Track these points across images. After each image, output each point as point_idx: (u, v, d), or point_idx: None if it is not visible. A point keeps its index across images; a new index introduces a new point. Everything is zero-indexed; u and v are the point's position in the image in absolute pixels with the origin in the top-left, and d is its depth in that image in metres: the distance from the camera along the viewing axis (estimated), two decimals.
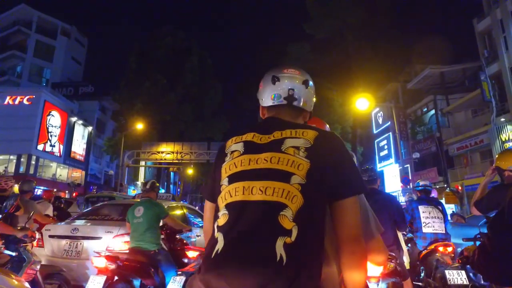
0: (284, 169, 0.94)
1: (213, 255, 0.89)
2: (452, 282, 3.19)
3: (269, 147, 0.99)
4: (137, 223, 3.38)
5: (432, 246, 3.64)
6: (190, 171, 38.69)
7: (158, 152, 24.43)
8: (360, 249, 0.95)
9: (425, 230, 3.81)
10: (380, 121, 27.47)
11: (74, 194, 20.36)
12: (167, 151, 24.30)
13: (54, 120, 25.54)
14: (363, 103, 14.86)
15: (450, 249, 3.58)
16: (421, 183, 4.17)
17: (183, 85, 27.36)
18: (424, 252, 3.77)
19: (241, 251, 0.87)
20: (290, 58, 26.91)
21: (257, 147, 1.01)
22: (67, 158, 27.55)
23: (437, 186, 21.18)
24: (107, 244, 3.94)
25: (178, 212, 5.93)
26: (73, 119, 28.26)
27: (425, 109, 24.00)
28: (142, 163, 27.82)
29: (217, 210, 0.99)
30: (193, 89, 27.74)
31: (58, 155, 26.44)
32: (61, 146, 26.45)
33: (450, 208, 20.81)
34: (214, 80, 30.61)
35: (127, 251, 3.37)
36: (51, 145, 25.04)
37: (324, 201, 0.95)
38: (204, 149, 24.93)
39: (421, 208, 3.90)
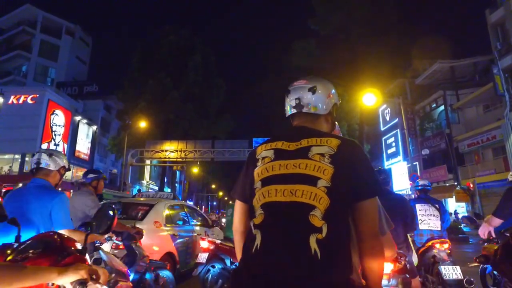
0: (311, 174, 1.05)
1: (253, 250, 1.03)
2: (447, 277, 3.35)
3: (297, 154, 1.11)
4: (228, 219, 4.46)
5: (430, 243, 3.79)
6: (195, 170, 38.52)
7: (162, 151, 24.27)
8: (378, 244, 1.06)
9: (421, 227, 3.99)
10: (388, 117, 26.91)
11: None
12: (171, 150, 24.13)
13: (58, 119, 25.51)
14: (370, 98, 14.44)
15: (446, 245, 3.70)
16: (421, 182, 4.33)
17: (187, 84, 27.15)
18: (422, 249, 3.89)
19: (279, 247, 0.99)
20: (295, 55, 26.50)
21: (286, 154, 1.13)
22: (72, 157, 27.49)
23: (447, 184, 20.61)
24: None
25: (178, 210, 5.93)
26: (77, 118, 28.23)
27: (434, 105, 23.38)
28: (148, 161, 27.70)
29: (252, 210, 1.11)
30: (196, 88, 27.48)
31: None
32: (65, 145, 26.40)
33: (461, 207, 20.25)
34: (218, 78, 30.33)
35: (223, 239, 4.74)
36: (55, 144, 25.00)
37: (347, 201, 1.05)
38: (209, 147, 24.66)
39: (418, 206, 4.05)
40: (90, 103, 30.95)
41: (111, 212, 1.67)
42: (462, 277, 3.32)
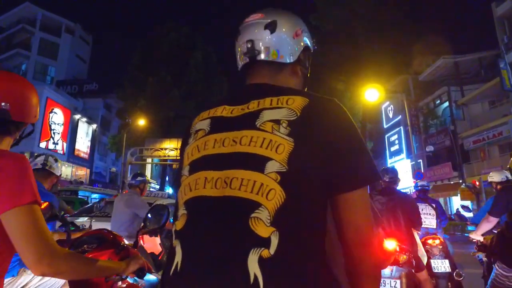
0: (257, 153, 0.70)
1: (171, 271, 0.70)
2: (437, 270, 3.63)
3: (241, 123, 0.75)
4: None
5: (423, 240, 3.97)
6: None
7: (162, 149, 24.02)
8: (369, 256, 0.71)
9: None
10: (391, 115, 26.57)
11: None
12: (170, 148, 23.87)
13: (57, 117, 25.33)
14: (373, 94, 14.15)
15: (437, 241, 3.94)
16: (420, 183, 4.66)
17: (188, 82, 26.93)
18: None
19: (202, 270, 0.66)
20: None
21: (226, 124, 0.77)
22: (71, 156, 27.34)
23: (452, 182, 20.21)
24: None
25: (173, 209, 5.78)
26: (77, 116, 28.07)
27: (438, 102, 22.97)
28: (149, 160, 27.51)
29: (176, 208, 0.78)
30: (197, 85, 27.26)
31: (62, 153, 26.20)
32: (65, 144, 26.24)
33: (466, 205, 19.86)
34: (219, 75, 30.08)
35: None
36: (54, 143, 24.83)
37: (319, 194, 0.70)
38: None
39: None
40: (90, 102, 30.82)
41: (165, 212, 1.80)
42: (450, 270, 3.62)
